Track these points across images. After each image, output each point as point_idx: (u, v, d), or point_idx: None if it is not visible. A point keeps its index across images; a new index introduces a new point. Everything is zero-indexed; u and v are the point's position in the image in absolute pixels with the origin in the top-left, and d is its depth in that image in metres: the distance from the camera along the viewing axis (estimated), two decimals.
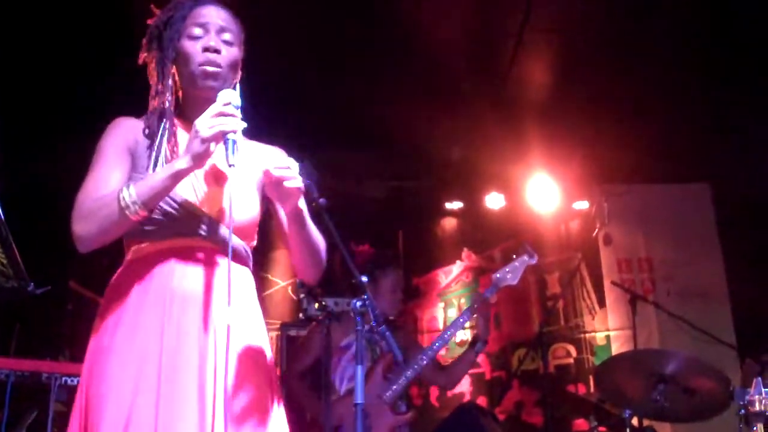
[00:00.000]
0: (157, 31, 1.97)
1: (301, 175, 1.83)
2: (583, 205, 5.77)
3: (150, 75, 1.99)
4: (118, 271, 1.88)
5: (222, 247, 1.83)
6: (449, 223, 6.37)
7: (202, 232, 1.84)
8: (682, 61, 4.45)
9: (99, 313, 1.84)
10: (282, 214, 1.95)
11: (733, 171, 5.07)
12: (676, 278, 5.40)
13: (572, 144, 5.26)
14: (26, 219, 3.07)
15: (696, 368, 3.30)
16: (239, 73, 2.00)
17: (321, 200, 1.93)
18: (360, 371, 1.97)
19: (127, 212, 1.72)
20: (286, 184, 1.77)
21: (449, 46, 4.35)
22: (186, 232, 1.83)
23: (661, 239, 5.52)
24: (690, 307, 5.16)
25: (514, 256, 3.79)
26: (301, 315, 3.47)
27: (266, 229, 2.03)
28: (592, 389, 5.28)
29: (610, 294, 5.43)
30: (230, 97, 1.75)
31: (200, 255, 1.83)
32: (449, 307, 6.20)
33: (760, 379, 2.56)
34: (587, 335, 5.59)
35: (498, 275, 3.74)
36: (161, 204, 1.79)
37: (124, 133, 1.91)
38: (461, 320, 3.73)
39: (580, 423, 5.15)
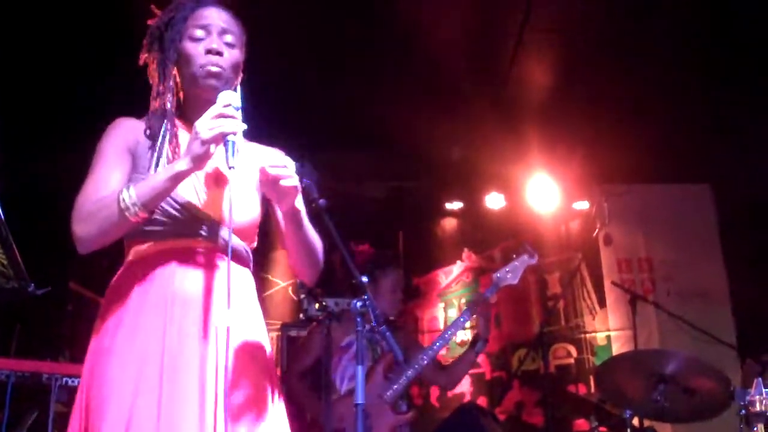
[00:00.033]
0: (158, 32, 1.97)
1: (301, 175, 1.82)
2: (583, 205, 5.77)
3: (151, 76, 1.99)
4: (119, 272, 1.87)
5: (222, 248, 1.83)
6: (449, 223, 6.37)
7: (203, 234, 1.84)
8: (682, 61, 4.45)
9: (99, 314, 1.83)
10: (279, 213, 1.95)
11: (734, 171, 5.07)
12: (676, 278, 5.40)
13: (572, 144, 5.25)
14: (26, 219, 3.06)
15: (696, 368, 3.30)
16: (240, 75, 1.99)
17: (321, 201, 1.93)
18: (360, 372, 1.97)
19: (126, 214, 1.72)
20: (282, 182, 1.76)
21: (449, 46, 4.34)
22: (187, 233, 1.83)
23: (661, 239, 5.52)
24: (690, 307, 5.16)
25: (514, 256, 3.79)
26: (301, 315, 3.48)
27: (267, 229, 2.03)
28: (592, 389, 5.27)
29: (611, 294, 5.43)
30: (230, 99, 1.75)
31: (201, 256, 1.83)
32: (449, 308, 6.20)
33: (760, 379, 2.56)
34: (588, 335, 5.59)
35: (498, 275, 3.75)
36: (162, 205, 1.79)
37: (125, 133, 1.91)
38: (461, 320, 3.73)
39: (581, 423, 5.14)
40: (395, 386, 3.50)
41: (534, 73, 4.72)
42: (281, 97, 4.21)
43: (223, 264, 1.83)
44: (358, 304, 1.96)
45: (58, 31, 4.01)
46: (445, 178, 5.96)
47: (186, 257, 1.81)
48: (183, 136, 1.91)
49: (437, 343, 3.64)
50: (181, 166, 1.72)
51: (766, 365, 3.31)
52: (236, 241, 1.87)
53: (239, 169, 1.76)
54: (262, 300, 2.01)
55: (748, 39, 4.22)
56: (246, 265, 1.93)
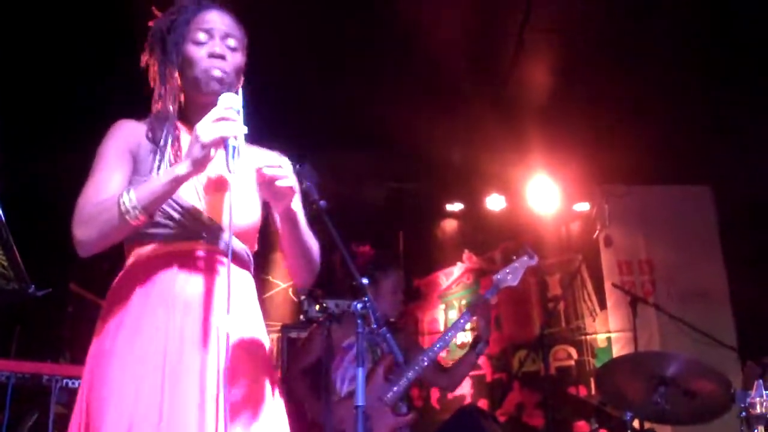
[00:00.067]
0: (160, 35, 1.96)
1: (300, 177, 1.82)
2: (583, 206, 5.77)
3: (152, 78, 1.98)
4: (120, 274, 1.87)
5: (223, 251, 1.82)
6: (450, 225, 6.37)
7: (204, 237, 1.84)
8: (682, 61, 4.45)
9: (101, 316, 1.83)
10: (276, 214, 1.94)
11: (734, 171, 5.07)
12: (676, 280, 5.40)
13: (573, 145, 5.25)
14: (27, 220, 3.06)
15: (697, 370, 3.30)
16: (242, 79, 1.99)
17: (321, 202, 1.92)
18: (361, 373, 1.97)
19: (127, 217, 1.71)
20: (278, 183, 1.75)
21: (449, 46, 4.34)
22: (188, 236, 1.83)
23: (661, 241, 5.51)
24: (691, 309, 5.16)
25: (515, 257, 3.79)
26: (301, 317, 3.47)
27: (267, 231, 2.02)
28: (593, 391, 5.27)
29: (611, 296, 5.43)
30: (231, 102, 1.74)
31: (202, 259, 1.83)
32: (450, 309, 6.20)
33: (761, 381, 2.56)
34: (588, 337, 5.59)
35: (498, 276, 3.74)
36: (163, 208, 1.78)
37: (126, 135, 1.91)
38: (462, 321, 3.72)
39: (581, 425, 5.15)
40: (395, 388, 3.49)
41: (534, 73, 4.72)
42: (281, 97, 4.21)
43: (224, 267, 1.82)
44: (359, 305, 1.96)
45: (58, 31, 4.01)
46: (445, 179, 5.96)
47: (187, 260, 1.81)
48: (185, 139, 1.90)
49: (437, 345, 3.64)
50: (182, 169, 1.71)
51: (766, 367, 3.29)
52: (237, 245, 1.86)
53: (240, 173, 1.76)
54: (263, 301, 2.01)
55: (748, 39, 4.22)
56: (247, 268, 1.93)
